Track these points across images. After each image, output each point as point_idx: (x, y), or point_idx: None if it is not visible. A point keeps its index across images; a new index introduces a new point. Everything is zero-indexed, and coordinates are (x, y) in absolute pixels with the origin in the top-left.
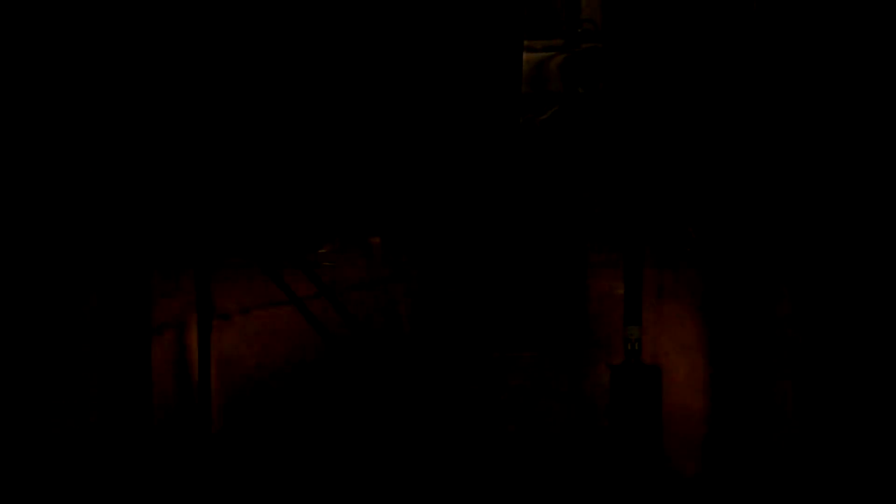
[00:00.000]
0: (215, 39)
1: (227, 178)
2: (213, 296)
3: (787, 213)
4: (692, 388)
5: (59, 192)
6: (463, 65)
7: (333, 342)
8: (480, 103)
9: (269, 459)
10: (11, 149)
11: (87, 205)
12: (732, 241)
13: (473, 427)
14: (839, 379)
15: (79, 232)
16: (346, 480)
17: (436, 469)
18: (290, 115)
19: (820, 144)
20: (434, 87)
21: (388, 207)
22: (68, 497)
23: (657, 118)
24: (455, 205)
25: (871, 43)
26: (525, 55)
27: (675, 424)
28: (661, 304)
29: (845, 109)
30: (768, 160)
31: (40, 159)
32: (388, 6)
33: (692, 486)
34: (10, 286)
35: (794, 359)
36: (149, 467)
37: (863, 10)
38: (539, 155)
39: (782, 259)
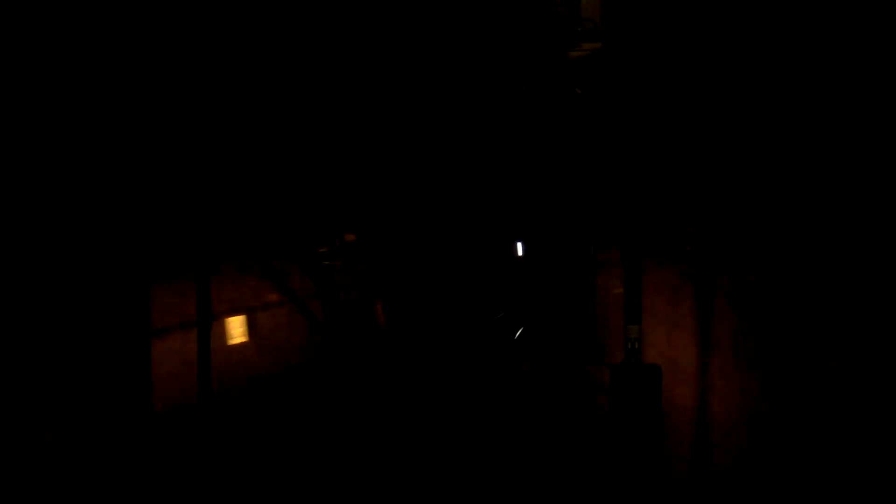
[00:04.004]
0: (220, 45)
1: (229, 185)
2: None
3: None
4: None
5: (65, 204)
6: (462, 65)
7: (333, 341)
8: (480, 102)
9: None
10: (19, 163)
11: (93, 216)
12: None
13: (472, 425)
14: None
15: (85, 240)
16: (344, 474)
17: (437, 464)
18: (291, 124)
19: (810, 149)
20: (435, 91)
21: (391, 210)
22: (75, 482)
23: (657, 118)
24: (460, 204)
25: (863, 59)
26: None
27: None
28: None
29: (840, 112)
30: (764, 161)
31: (47, 174)
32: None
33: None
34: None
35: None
36: (150, 450)
37: (857, 16)
38: (540, 154)
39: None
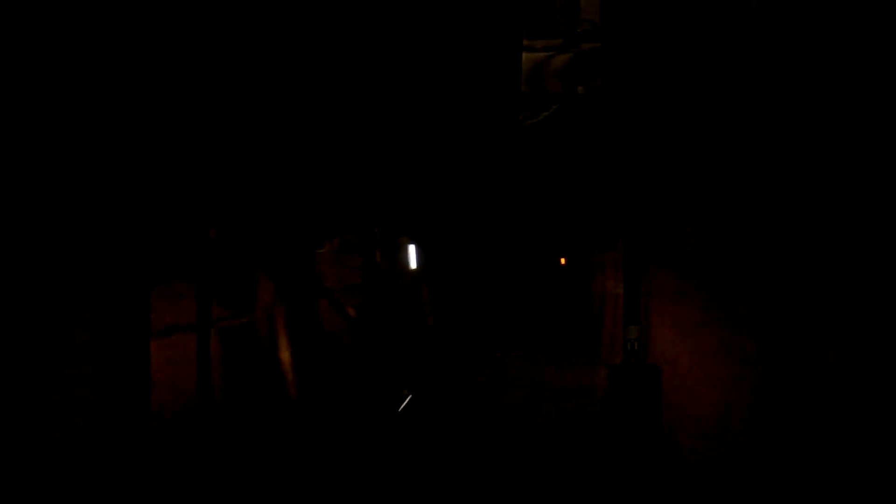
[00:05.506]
0: (223, 52)
1: (231, 186)
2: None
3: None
4: None
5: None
6: (463, 66)
7: (331, 340)
8: (480, 104)
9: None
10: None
11: (95, 218)
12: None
13: (472, 422)
14: None
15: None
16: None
17: (438, 459)
18: (291, 122)
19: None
20: (434, 89)
21: (392, 211)
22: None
23: (656, 118)
24: (457, 206)
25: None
26: (525, 55)
27: None
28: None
29: (843, 111)
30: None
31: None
32: (389, 9)
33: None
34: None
35: None
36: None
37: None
38: (539, 154)
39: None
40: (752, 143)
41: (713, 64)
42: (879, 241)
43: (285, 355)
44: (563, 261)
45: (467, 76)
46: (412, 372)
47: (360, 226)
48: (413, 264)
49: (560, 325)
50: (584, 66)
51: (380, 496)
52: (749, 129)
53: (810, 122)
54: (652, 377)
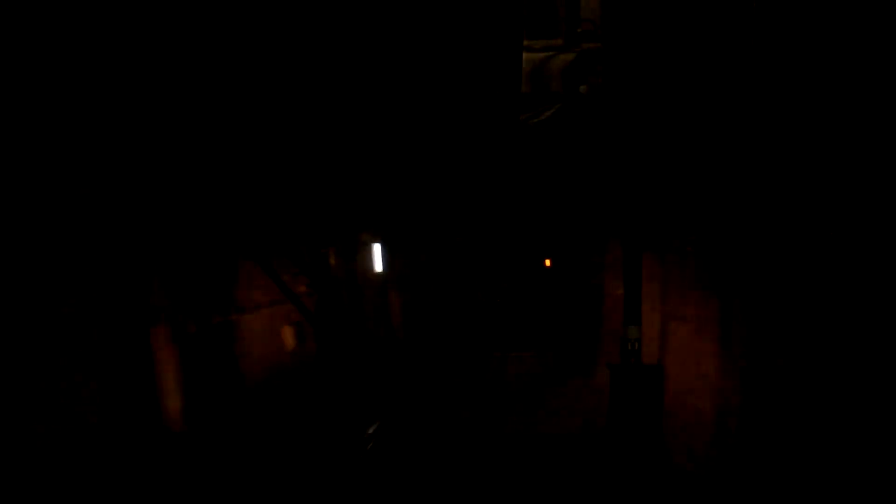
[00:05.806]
0: (219, 45)
1: (232, 186)
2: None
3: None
4: None
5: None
6: (463, 66)
7: (331, 338)
8: (481, 104)
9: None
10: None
11: (96, 214)
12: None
13: (474, 421)
14: None
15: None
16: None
17: (439, 460)
18: (291, 122)
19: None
20: (434, 89)
21: (392, 211)
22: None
23: (656, 117)
24: (460, 207)
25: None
26: (525, 55)
27: None
28: None
29: (843, 109)
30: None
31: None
32: (388, 8)
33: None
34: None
35: None
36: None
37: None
38: (539, 154)
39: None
40: (756, 142)
41: (714, 62)
42: (877, 241)
43: (174, 402)
44: (547, 262)
45: (465, 74)
46: (380, 396)
47: (308, 220)
48: (378, 267)
49: (559, 325)
50: (586, 65)
51: None
52: (749, 128)
53: (811, 121)
54: (652, 377)
